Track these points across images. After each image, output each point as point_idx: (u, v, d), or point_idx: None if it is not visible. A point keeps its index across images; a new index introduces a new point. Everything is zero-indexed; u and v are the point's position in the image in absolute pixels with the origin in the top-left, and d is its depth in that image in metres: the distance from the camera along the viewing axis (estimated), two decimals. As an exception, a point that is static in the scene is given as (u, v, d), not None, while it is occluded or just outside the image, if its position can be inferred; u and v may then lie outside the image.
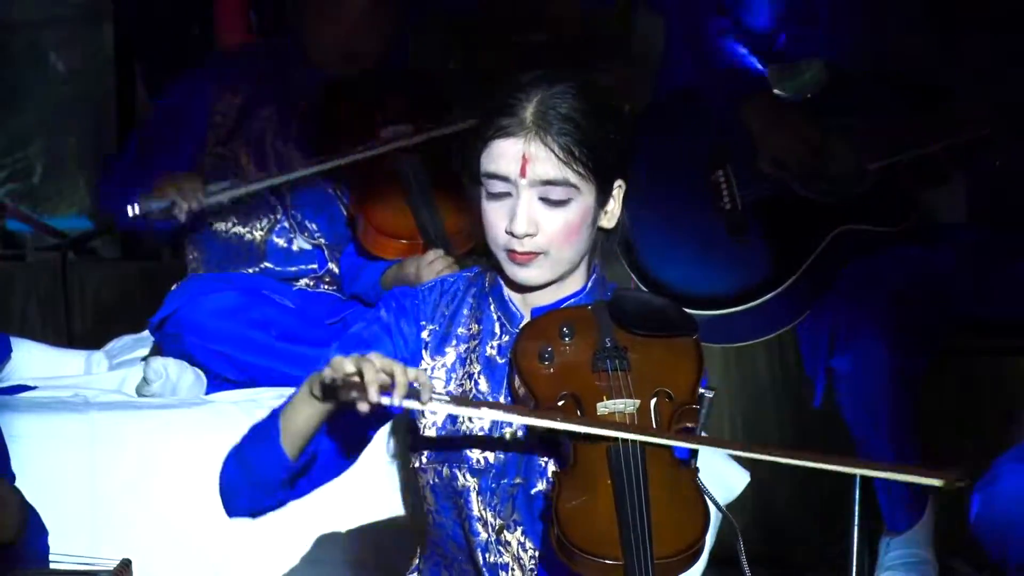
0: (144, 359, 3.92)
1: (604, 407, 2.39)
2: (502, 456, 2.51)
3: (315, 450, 2.49)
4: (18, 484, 2.98)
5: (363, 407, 2.30)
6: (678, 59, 4.14)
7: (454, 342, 2.61)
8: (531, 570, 2.51)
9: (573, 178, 2.49)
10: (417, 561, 2.65)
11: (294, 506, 3.51)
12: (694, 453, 2.40)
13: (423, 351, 2.61)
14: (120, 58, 5.92)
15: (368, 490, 3.53)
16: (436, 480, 2.55)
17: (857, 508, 3.87)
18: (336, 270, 4.10)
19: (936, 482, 2.41)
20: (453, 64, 5.09)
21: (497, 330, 2.59)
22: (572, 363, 2.46)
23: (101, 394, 3.81)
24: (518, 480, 2.51)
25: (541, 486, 2.49)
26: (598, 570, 2.25)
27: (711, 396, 2.42)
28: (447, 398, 2.42)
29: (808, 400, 4.03)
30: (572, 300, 2.58)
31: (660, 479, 2.31)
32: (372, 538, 3.55)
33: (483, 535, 2.52)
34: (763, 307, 3.88)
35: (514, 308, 2.59)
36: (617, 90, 4.75)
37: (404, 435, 2.68)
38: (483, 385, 2.57)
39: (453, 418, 2.55)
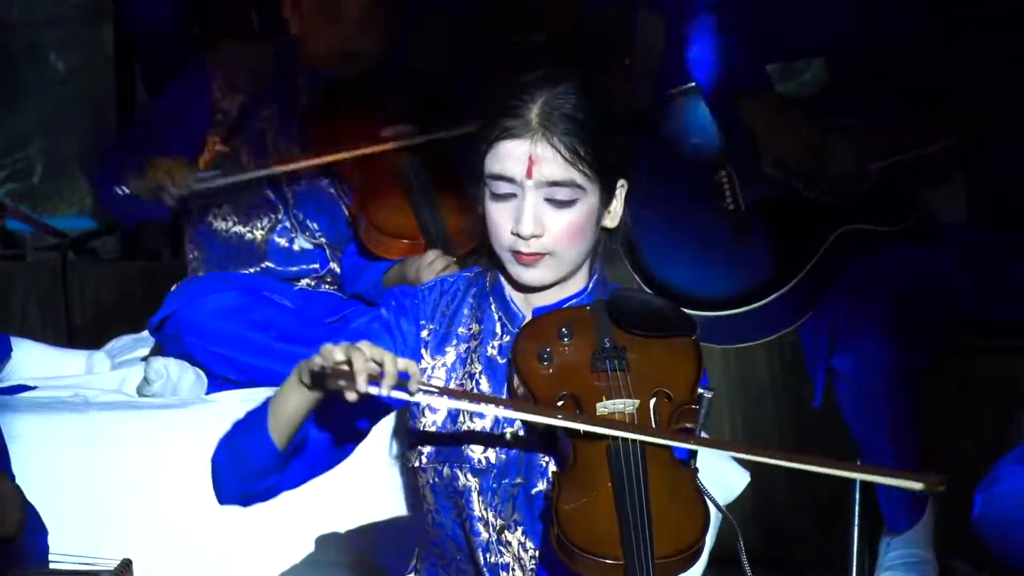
0: (145, 359, 3.92)
1: (604, 407, 2.39)
2: (504, 456, 2.52)
3: (305, 438, 2.47)
4: (18, 484, 2.98)
5: (351, 396, 2.30)
6: (678, 59, 4.14)
7: (454, 342, 2.61)
8: (531, 570, 2.51)
9: (579, 179, 2.49)
10: (414, 561, 2.65)
11: (293, 506, 3.53)
12: (693, 453, 2.40)
13: (423, 350, 2.61)
14: (120, 58, 5.92)
15: (367, 490, 3.53)
16: (436, 480, 2.55)
17: (857, 508, 3.88)
18: (337, 269, 4.10)
19: (917, 485, 2.41)
20: (453, 64, 5.09)
21: (498, 330, 2.59)
22: (571, 363, 2.46)
23: (101, 394, 3.81)
24: (519, 480, 2.51)
25: (542, 486, 2.49)
26: (598, 569, 2.25)
27: (710, 396, 2.42)
28: (435, 389, 2.41)
29: (808, 400, 4.03)
30: (574, 300, 2.59)
31: (660, 479, 2.31)
32: (371, 538, 3.55)
33: (484, 535, 2.52)
34: (765, 308, 3.87)
35: (516, 308, 2.59)
36: (618, 89, 4.75)
37: (403, 435, 2.68)
38: (484, 385, 2.57)
39: (454, 417, 2.56)
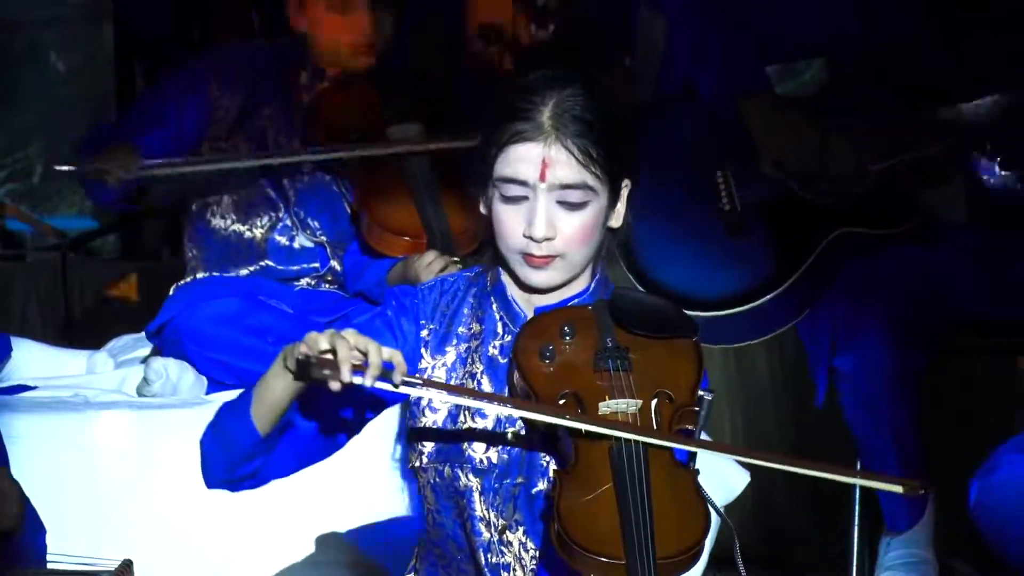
0: (144, 359, 3.92)
1: (606, 407, 2.39)
2: (505, 456, 2.52)
3: (291, 424, 2.46)
4: (16, 479, 2.98)
5: (335, 386, 2.29)
6: (679, 58, 4.14)
7: (454, 341, 2.61)
8: (532, 570, 2.51)
9: (591, 181, 2.49)
10: (414, 561, 2.65)
11: (293, 506, 3.53)
12: (693, 455, 2.40)
13: (423, 350, 2.60)
14: (120, 58, 5.92)
15: (367, 490, 3.53)
16: (437, 480, 2.55)
17: (857, 508, 3.88)
18: (338, 268, 4.09)
19: (897, 488, 2.42)
20: (453, 64, 5.10)
21: (499, 330, 2.59)
22: (573, 362, 2.47)
23: (101, 394, 3.80)
24: (520, 480, 2.51)
25: (542, 485, 2.49)
26: (599, 569, 2.25)
27: (710, 398, 2.42)
28: (419, 380, 2.39)
29: (808, 400, 4.03)
30: (575, 300, 2.59)
31: (662, 480, 2.31)
32: (371, 538, 3.55)
33: (485, 535, 2.52)
34: (761, 308, 3.88)
35: (518, 308, 2.59)
36: (619, 89, 4.75)
37: (404, 435, 2.68)
38: (486, 385, 2.57)
39: (454, 417, 2.56)
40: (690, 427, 2.41)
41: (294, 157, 4.03)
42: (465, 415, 2.55)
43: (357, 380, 2.29)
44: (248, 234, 4.06)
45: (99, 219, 5.99)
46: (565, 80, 2.52)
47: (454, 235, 3.94)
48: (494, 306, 2.61)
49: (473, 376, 2.57)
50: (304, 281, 4.07)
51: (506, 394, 2.54)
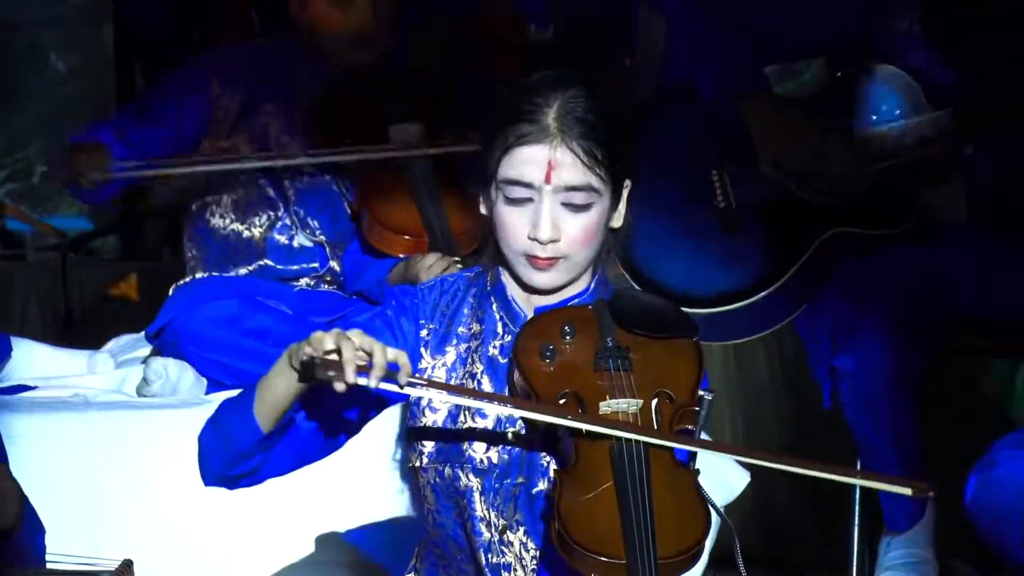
0: (144, 360, 3.92)
1: (607, 406, 2.39)
2: (505, 456, 2.52)
3: (292, 423, 2.46)
4: (16, 478, 2.98)
5: (339, 387, 2.29)
6: (679, 58, 4.14)
7: (454, 341, 2.61)
8: (533, 570, 2.51)
9: (595, 182, 2.49)
10: (414, 561, 2.65)
11: (293, 506, 3.53)
12: (693, 455, 2.40)
13: (422, 350, 2.61)
14: (120, 58, 5.92)
15: (367, 490, 3.53)
16: (437, 480, 2.55)
17: (857, 508, 3.88)
18: (337, 268, 4.09)
19: (906, 491, 2.42)
20: (453, 64, 5.09)
21: (500, 330, 2.59)
22: (573, 361, 2.47)
23: (101, 394, 3.80)
24: (521, 480, 2.51)
25: (543, 485, 2.49)
26: (600, 568, 2.25)
27: (710, 398, 2.42)
28: (424, 381, 2.40)
29: (808, 400, 4.03)
30: (576, 300, 2.59)
31: (662, 480, 2.31)
32: (371, 538, 3.55)
33: (486, 535, 2.52)
34: (756, 305, 3.88)
35: (518, 308, 2.59)
36: (619, 90, 4.75)
37: (404, 435, 2.67)
38: (486, 385, 2.57)
39: (454, 417, 2.56)
40: (690, 427, 2.41)
41: (292, 160, 4.02)
42: (465, 415, 2.55)
43: (362, 381, 2.29)
44: (247, 233, 4.06)
45: (95, 220, 5.99)
46: (568, 81, 2.51)
47: (454, 235, 3.93)
48: (494, 306, 2.61)
49: (473, 376, 2.57)
50: (303, 281, 4.07)
51: (506, 394, 2.54)
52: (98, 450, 3.56)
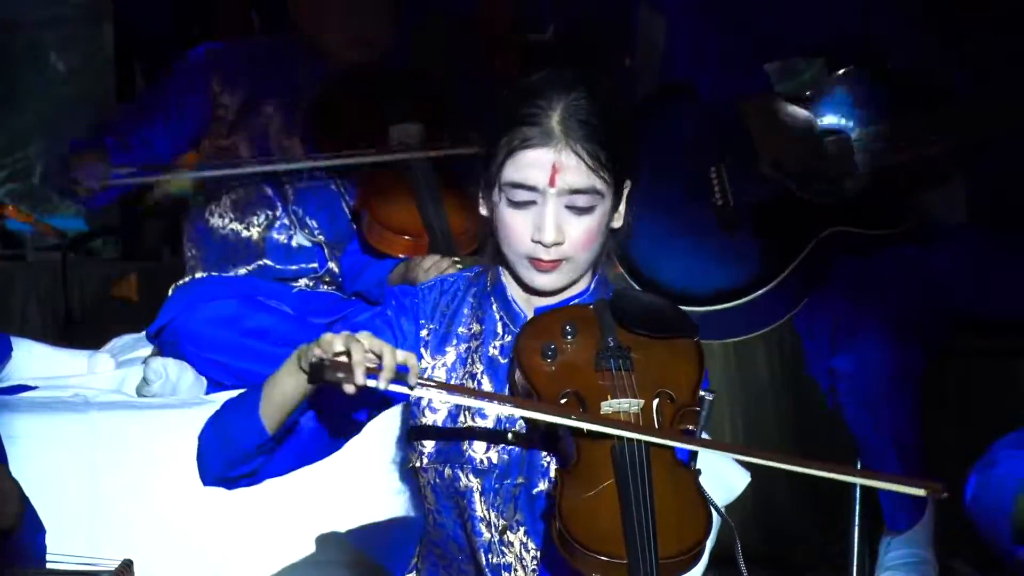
0: (144, 360, 3.92)
1: (608, 406, 2.39)
2: (505, 456, 2.52)
3: (296, 425, 2.46)
4: (16, 478, 2.98)
5: (349, 389, 2.29)
6: (679, 58, 4.14)
7: (454, 342, 2.61)
8: (533, 570, 2.51)
9: (599, 185, 2.50)
10: (415, 560, 2.65)
11: (293, 506, 3.53)
12: (694, 455, 2.40)
13: (423, 350, 2.60)
14: (120, 58, 5.92)
15: (367, 490, 3.53)
16: (437, 480, 2.54)
17: (858, 508, 3.88)
18: (336, 269, 4.09)
19: (920, 492, 2.41)
20: (453, 64, 5.10)
21: (500, 330, 2.59)
22: (575, 361, 2.47)
23: (101, 394, 3.80)
24: (521, 480, 2.51)
25: (543, 486, 2.49)
26: (601, 568, 2.25)
27: (711, 398, 2.42)
28: (434, 383, 2.40)
29: (807, 399, 4.03)
30: (576, 300, 2.59)
31: (664, 480, 2.31)
32: (371, 538, 3.55)
33: (486, 535, 2.52)
34: (753, 303, 3.88)
35: (518, 308, 2.59)
36: (621, 89, 4.75)
37: (405, 435, 2.67)
38: (486, 385, 2.57)
39: (454, 417, 2.56)
40: (691, 427, 2.41)
41: (297, 164, 4.01)
42: (465, 415, 2.55)
43: (371, 383, 2.29)
44: (245, 233, 4.06)
45: (94, 221, 5.99)
46: (570, 83, 2.51)
47: (455, 235, 3.93)
48: (494, 306, 2.61)
49: (473, 376, 2.57)
50: (302, 282, 4.06)
51: (507, 394, 2.54)
52: (98, 450, 3.56)
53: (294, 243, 4.07)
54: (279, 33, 4.25)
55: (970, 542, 3.54)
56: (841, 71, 4.04)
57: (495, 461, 2.51)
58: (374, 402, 2.49)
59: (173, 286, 4.07)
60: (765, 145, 3.92)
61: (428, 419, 2.57)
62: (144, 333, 4.09)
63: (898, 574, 3.82)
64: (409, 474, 2.61)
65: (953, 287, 3.84)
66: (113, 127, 4.10)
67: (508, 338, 2.58)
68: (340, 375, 2.28)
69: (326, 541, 3.56)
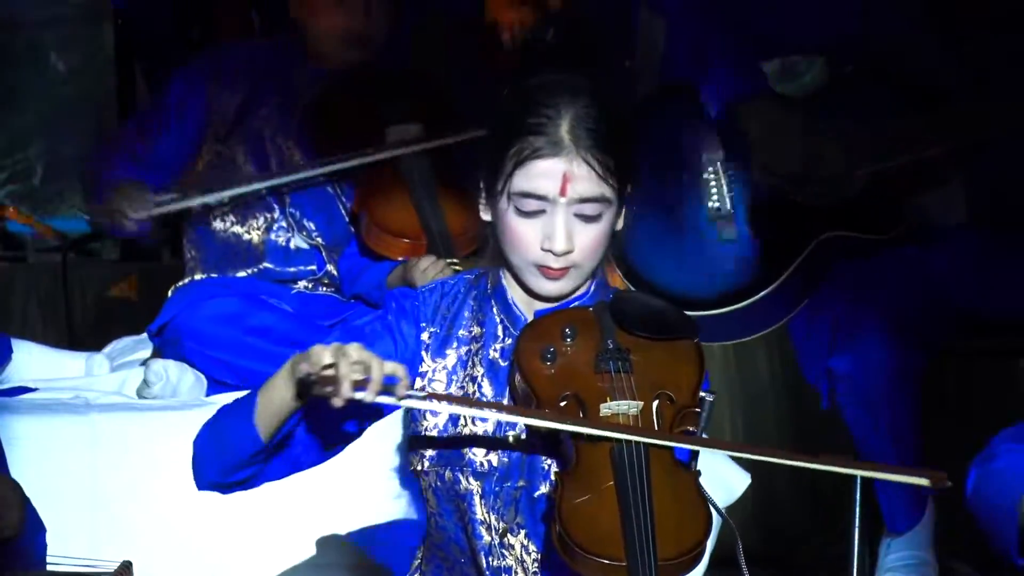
0: (145, 361, 3.92)
1: (607, 408, 2.40)
2: (506, 459, 2.52)
3: (291, 434, 2.46)
4: (16, 481, 2.98)
5: (337, 402, 2.29)
6: (679, 58, 4.14)
7: (455, 344, 2.61)
8: (534, 573, 2.51)
9: (608, 192, 2.50)
10: (418, 562, 2.65)
11: (295, 507, 3.53)
12: (695, 456, 2.41)
13: (423, 353, 2.60)
14: (120, 58, 5.91)
15: (369, 492, 3.53)
16: (438, 483, 2.55)
17: (858, 509, 3.87)
18: (335, 272, 4.09)
19: (923, 481, 2.42)
20: (453, 64, 5.10)
21: (500, 333, 2.59)
22: (574, 364, 2.47)
23: (102, 396, 3.80)
24: (521, 483, 2.51)
25: (544, 489, 2.50)
26: (600, 570, 2.25)
27: (711, 399, 2.42)
28: (422, 394, 2.40)
29: (808, 400, 4.03)
30: (576, 302, 2.59)
31: (663, 481, 2.32)
32: (371, 540, 3.55)
33: (486, 538, 2.52)
34: (751, 307, 3.89)
35: (518, 311, 2.60)
36: (621, 91, 4.75)
37: (405, 438, 2.67)
38: (486, 388, 2.57)
39: (455, 420, 2.55)
40: (691, 428, 2.42)
41: (301, 174, 4.01)
42: (466, 418, 2.55)
43: (359, 396, 2.29)
44: (247, 236, 4.06)
45: (93, 224, 5.98)
46: (576, 89, 2.51)
47: (453, 236, 3.93)
48: (495, 309, 2.61)
49: (474, 379, 2.57)
50: (301, 284, 4.07)
51: (507, 396, 2.54)
52: (99, 452, 3.56)
53: (292, 245, 4.07)
54: (279, 34, 4.25)
55: (971, 543, 3.53)
56: (841, 72, 4.04)
57: (495, 464, 2.51)
58: (366, 412, 2.49)
59: (173, 287, 4.07)
60: (759, 148, 3.92)
61: (429, 422, 2.57)
62: (144, 333, 4.09)
63: (898, 575, 3.82)
64: (411, 476, 2.61)
65: (953, 287, 3.84)
66: (121, 151, 4.11)
67: (509, 341, 2.57)
68: (328, 389, 2.28)
69: (327, 543, 3.57)
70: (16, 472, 3.03)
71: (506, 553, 2.51)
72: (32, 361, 4.02)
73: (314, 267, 4.07)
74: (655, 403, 2.42)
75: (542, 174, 2.48)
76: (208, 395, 3.82)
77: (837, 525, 4.12)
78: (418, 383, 2.58)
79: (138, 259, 5.70)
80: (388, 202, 3.99)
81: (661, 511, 2.28)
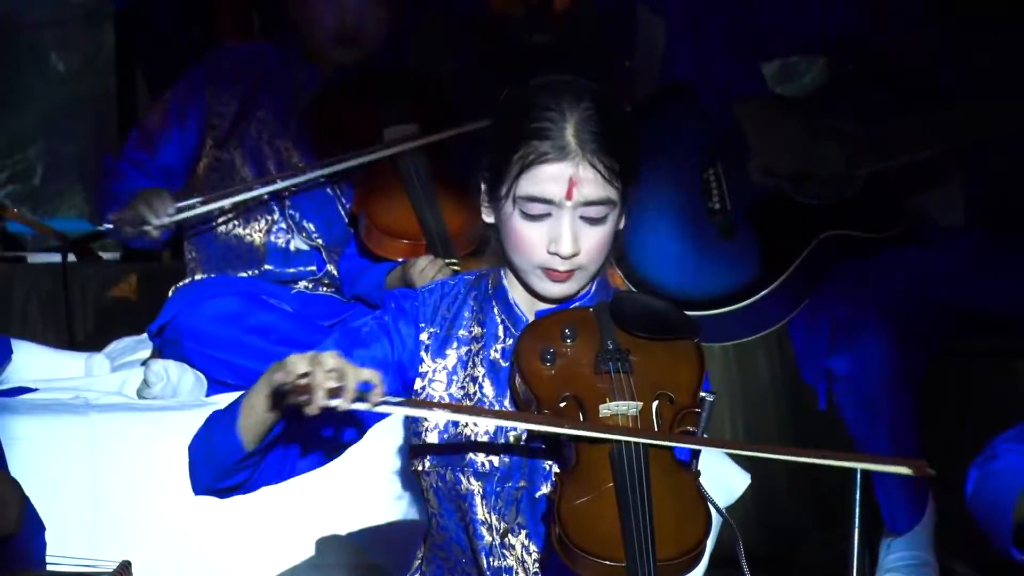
0: (145, 362, 3.92)
1: (607, 409, 2.40)
2: (507, 459, 2.52)
3: (279, 438, 2.45)
4: (15, 479, 2.98)
5: (311, 411, 2.29)
6: (679, 59, 4.14)
7: (455, 344, 2.61)
8: (535, 573, 2.51)
9: (613, 195, 2.50)
10: (419, 562, 2.65)
11: (294, 508, 3.53)
12: (695, 456, 2.41)
13: (423, 353, 2.60)
14: (120, 59, 5.92)
15: (369, 493, 3.53)
16: (439, 484, 2.55)
17: (858, 509, 3.87)
18: (335, 272, 4.09)
19: (905, 470, 2.42)
20: (453, 64, 5.10)
21: (501, 333, 2.59)
22: (574, 364, 2.47)
23: (102, 396, 3.80)
24: (522, 483, 2.51)
25: (545, 489, 2.49)
26: (600, 571, 2.25)
27: (712, 400, 2.42)
28: (397, 400, 2.40)
29: (808, 401, 4.02)
30: (577, 303, 2.59)
31: (662, 482, 2.32)
32: (371, 541, 3.55)
33: (487, 539, 2.52)
34: (750, 307, 3.88)
35: (519, 311, 2.60)
36: (621, 92, 4.75)
37: (405, 439, 2.67)
38: (487, 388, 2.57)
39: (456, 421, 2.55)
40: (691, 429, 2.42)
41: (302, 176, 4.01)
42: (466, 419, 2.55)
43: (333, 403, 2.28)
44: (248, 238, 4.06)
45: (95, 222, 5.98)
46: (578, 92, 2.51)
47: (452, 236, 3.93)
48: (495, 309, 2.61)
49: (475, 380, 2.57)
50: (301, 285, 4.07)
51: (508, 396, 2.54)
52: (98, 452, 3.56)
53: (292, 247, 4.07)
54: (279, 34, 4.25)
55: (971, 544, 3.53)
56: (841, 71, 4.04)
57: (496, 464, 2.51)
58: (355, 421, 2.49)
59: (173, 288, 4.07)
60: (758, 148, 3.92)
61: (430, 423, 2.57)
62: (145, 333, 4.09)
63: (898, 575, 3.82)
64: (412, 477, 2.61)
65: (953, 287, 3.84)
66: (124, 151, 4.11)
67: (509, 341, 2.57)
68: (302, 398, 2.28)
69: (327, 543, 3.56)
70: (16, 472, 3.03)
71: (507, 553, 2.51)
72: (32, 361, 4.02)
73: (314, 268, 4.07)
74: (655, 403, 2.42)
75: (549, 179, 2.48)
76: (208, 395, 3.82)
77: (837, 526, 4.11)
78: (418, 383, 2.59)
79: (138, 259, 5.70)
80: (387, 203, 3.99)
81: (661, 511, 2.28)
